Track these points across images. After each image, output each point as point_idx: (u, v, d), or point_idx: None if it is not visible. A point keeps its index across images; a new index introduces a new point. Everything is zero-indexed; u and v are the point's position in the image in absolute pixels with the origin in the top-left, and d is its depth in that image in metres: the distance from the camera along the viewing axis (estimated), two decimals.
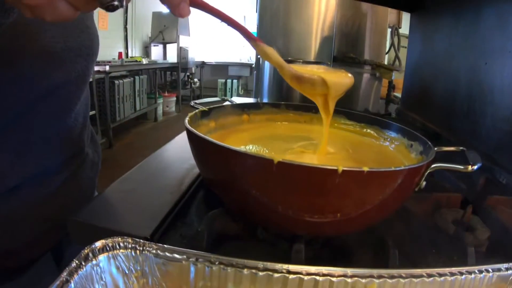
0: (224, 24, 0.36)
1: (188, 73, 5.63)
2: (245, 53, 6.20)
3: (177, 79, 5.31)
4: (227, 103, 0.59)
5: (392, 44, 1.56)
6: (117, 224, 0.38)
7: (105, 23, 3.88)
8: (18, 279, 0.47)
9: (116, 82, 3.48)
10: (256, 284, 0.27)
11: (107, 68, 3.07)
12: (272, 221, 0.36)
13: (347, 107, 0.64)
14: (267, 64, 1.15)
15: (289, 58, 1.22)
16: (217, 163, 0.36)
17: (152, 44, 5.07)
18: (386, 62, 1.55)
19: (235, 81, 6.14)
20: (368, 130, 0.56)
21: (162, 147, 0.69)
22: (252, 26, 1.52)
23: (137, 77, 3.98)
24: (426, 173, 0.34)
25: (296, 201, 0.32)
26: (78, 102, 0.51)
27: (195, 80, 5.98)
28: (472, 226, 0.48)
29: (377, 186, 0.32)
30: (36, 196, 0.47)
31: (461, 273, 0.33)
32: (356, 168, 0.30)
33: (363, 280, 0.27)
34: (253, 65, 1.92)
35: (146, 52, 5.14)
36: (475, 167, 0.32)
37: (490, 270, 0.34)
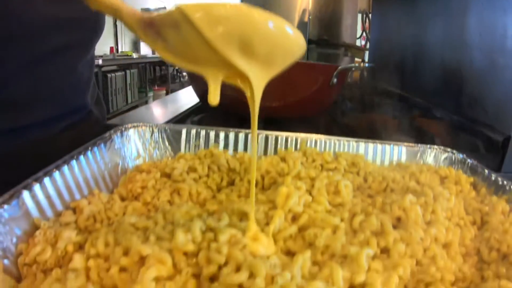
0: None
1: (177, 68, 5.74)
2: None
3: (167, 73, 5.43)
4: None
5: (363, 28, 1.70)
6: None
7: None
8: None
9: (109, 75, 3.60)
10: (222, 138, 0.43)
11: (100, 61, 3.20)
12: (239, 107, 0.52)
13: None
14: None
15: None
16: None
17: (141, 40, 5.16)
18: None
19: None
20: None
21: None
22: None
23: (128, 71, 4.10)
24: (335, 73, 0.49)
25: None
26: (79, 64, 0.58)
27: (184, 74, 6.09)
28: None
29: (296, 75, 0.46)
30: (40, 137, 0.53)
31: (374, 142, 0.46)
32: None
33: (299, 139, 0.43)
34: None
35: (136, 47, 5.24)
36: (366, 65, 0.48)
37: (400, 144, 0.46)
